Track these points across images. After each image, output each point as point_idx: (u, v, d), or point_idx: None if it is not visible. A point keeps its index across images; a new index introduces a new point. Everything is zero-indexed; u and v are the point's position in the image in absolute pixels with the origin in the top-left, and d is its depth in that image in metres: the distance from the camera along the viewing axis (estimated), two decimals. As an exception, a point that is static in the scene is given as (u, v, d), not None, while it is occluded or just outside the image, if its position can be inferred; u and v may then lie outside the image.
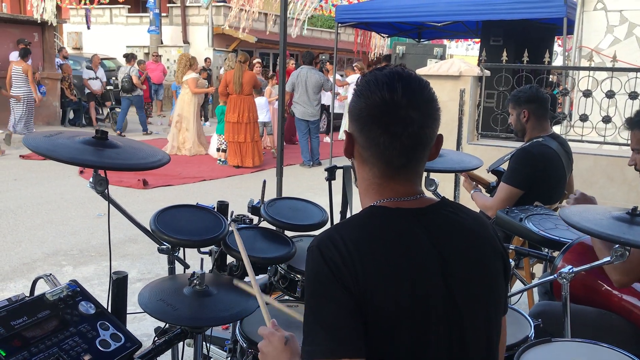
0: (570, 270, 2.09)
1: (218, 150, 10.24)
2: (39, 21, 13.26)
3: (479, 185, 3.60)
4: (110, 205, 1.96)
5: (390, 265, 1.17)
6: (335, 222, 2.88)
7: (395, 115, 1.21)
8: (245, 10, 17.18)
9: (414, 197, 1.29)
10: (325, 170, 2.98)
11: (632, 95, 4.92)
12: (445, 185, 3.46)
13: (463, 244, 1.27)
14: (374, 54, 17.57)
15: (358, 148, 1.29)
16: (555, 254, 2.62)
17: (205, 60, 17.36)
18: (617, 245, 1.96)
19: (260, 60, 12.30)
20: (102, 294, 2.91)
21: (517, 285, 3.31)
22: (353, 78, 12.17)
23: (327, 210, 2.74)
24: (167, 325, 2.00)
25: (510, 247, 2.85)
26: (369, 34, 14.97)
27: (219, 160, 10.20)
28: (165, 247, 2.12)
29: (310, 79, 9.82)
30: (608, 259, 2.03)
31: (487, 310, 1.28)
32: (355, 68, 12.33)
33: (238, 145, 9.83)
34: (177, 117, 10.93)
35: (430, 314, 1.18)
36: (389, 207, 1.26)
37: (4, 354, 1.39)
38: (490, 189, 3.63)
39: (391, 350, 1.16)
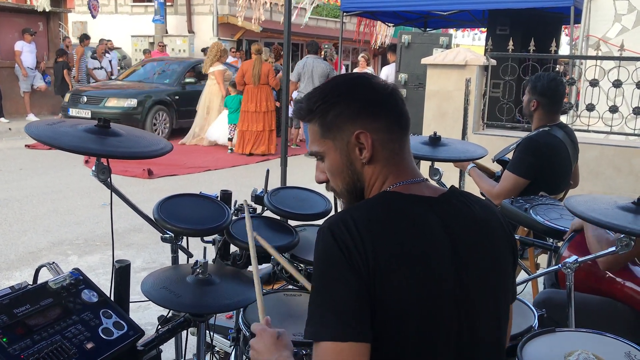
0: (575, 261, 2.08)
1: (230, 140, 10.33)
2: (45, 10, 13.23)
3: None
4: (114, 194, 1.96)
5: (402, 249, 1.17)
6: (339, 209, 2.87)
7: (387, 88, 1.33)
8: (253, 0, 17.08)
9: (420, 179, 1.32)
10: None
11: (640, 85, 4.88)
12: (449, 175, 3.43)
13: (474, 232, 1.28)
14: (378, 43, 17.46)
15: (376, 141, 1.28)
16: (560, 244, 2.61)
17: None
18: (622, 235, 1.95)
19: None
20: (107, 283, 2.89)
21: (522, 276, 3.30)
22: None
23: (331, 200, 2.73)
24: (171, 313, 2.00)
25: (515, 237, 2.83)
26: (373, 23, 14.84)
27: (230, 149, 10.31)
28: (168, 236, 2.12)
29: (317, 68, 9.79)
30: (613, 249, 2.02)
31: (497, 297, 1.29)
32: (362, 59, 12.22)
33: (255, 134, 9.94)
34: (205, 109, 10.93)
35: (440, 300, 1.18)
36: (402, 193, 1.27)
37: (6, 342, 1.39)
38: (496, 179, 3.61)
39: (400, 334, 1.16)
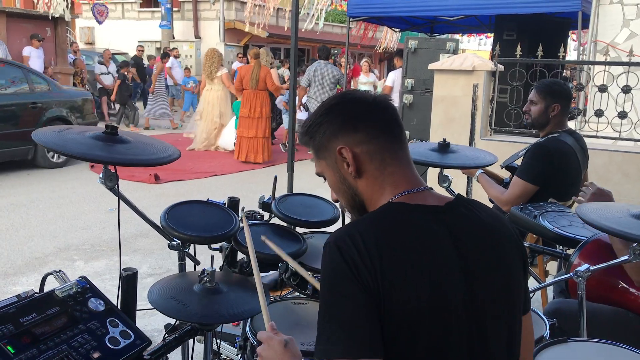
0: (587, 269, 2.05)
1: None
2: (55, 16, 13.25)
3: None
4: (121, 200, 1.95)
5: (409, 262, 1.15)
6: (346, 219, 2.86)
7: (368, 99, 1.32)
8: (261, 6, 17.09)
9: (423, 187, 1.30)
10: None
11: (649, 91, 4.84)
12: (458, 182, 3.41)
13: (482, 242, 1.25)
14: (383, 48, 17.44)
15: (361, 154, 1.29)
16: (570, 251, 2.58)
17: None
18: (635, 244, 1.92)
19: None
20: (113, 289, 2.89)
21: (531, 283, 3.26)
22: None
23: (339, 206, 2.72)
24: (178, 322, 1.98)
25: (524, 244, 2.80)
26: (375, 27, 14.75)
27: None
28: (175, 243, 2.11)
29: (328, 74, 9.74)
30: (626, 257, 1.99)
31: (508, 308, 1.26)
32: (365, 64, 12.16)
33: (247, 140, 9.86)
34: (210, 114, 10.90)
35: (450, 312, 1.16)
36: (407, 204, 1.25)
37: (12, 351, 1.38)
38: (504, 185, 3.58)
39: (410, 349, 1.14)
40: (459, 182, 3.50)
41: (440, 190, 2.68)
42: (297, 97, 9.58)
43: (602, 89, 5.02)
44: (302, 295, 2.34)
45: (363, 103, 1.32)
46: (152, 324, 3.57)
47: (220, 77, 10.72)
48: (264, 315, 1.48)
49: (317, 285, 1.46)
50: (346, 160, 1.29)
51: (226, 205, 2.36)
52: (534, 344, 1.84)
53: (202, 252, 2.31)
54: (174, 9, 20.21)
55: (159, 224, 2.08)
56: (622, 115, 4.96)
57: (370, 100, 1.32)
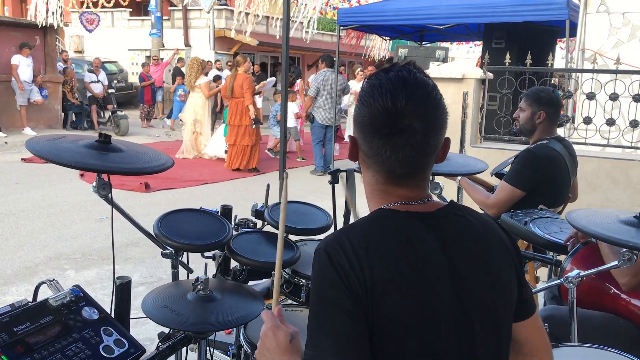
0: (577, 275, 2.07)
1: (226, 152, 10.34)
2: (40, 25, 13.19)
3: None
4: (113, 209, 1.95)
5: (399, 270, 1.15)
6: (339, 226, 2.87)
7: (397, 126, 1.17)
8: (247, 14, 17.12)
9: (422, 201, 1.27)
10: (328, 173, 2.97)
11: (636, 98, 4.91)
12: (448, 189, 3.43)
13: (473, 249, 1.24)
14: (373, 56, 17.49)
15: (362, 154, 1.27)
16: (561, 257, 2.60)
17: (207, 63, 17.37)
18: (624, 250, 1.95)
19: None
20: (104, 298, 2.87)
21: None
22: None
23: (331, 214, 2.73)
24: (171, 330, 1.98)
25: (519, 251, 2.83)
26: (362, 36, 14.80)
27: None
28: (168, 251, 2.11)
29: (335, 82, 9.73)
30: (615, 263, 2.02)
31: (498, 317, 1.25)
32: (360, 74, 12.23)
33: (234, 147, 9.90)
34: (192, 122, 10.95)
35: (438, 321, 1.15)
36: (398, 211, 1.24)
37: (6, 361, 1.37)
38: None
39: (399, 357, 1.14)
40: (449, 189, 3.52)
41: (434, 198, 2.70)
42: (286, 107, 9.52)
43: (590, 96, 5.08)
44: (295, 303, 2.34)
45: (389, 116, 1.17)
46: (144, 332, 3.55)
47: (199, 86, 10.78)
48: (275, 289, 1.38)
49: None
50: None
51: (219, 214, 2.36)
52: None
53: (195, 261, 2.31)
54: (164, 18, 20.19)
55: (152, 232, 2.08)
56: (610, 122, 5.02)
57: (397, 117, 1.16)
